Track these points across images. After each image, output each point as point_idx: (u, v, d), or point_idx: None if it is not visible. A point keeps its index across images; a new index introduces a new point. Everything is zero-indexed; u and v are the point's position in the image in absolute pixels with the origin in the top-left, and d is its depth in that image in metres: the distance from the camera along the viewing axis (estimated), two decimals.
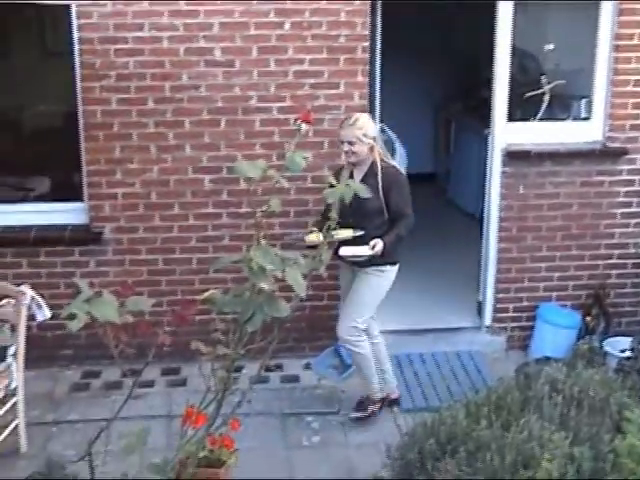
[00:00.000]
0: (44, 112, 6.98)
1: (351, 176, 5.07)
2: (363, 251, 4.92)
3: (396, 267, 5.21)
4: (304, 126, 2.74)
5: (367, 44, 5.71)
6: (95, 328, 2.55)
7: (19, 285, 4.84)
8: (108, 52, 5.54)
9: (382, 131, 6.80)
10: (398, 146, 7.21)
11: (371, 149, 5.05)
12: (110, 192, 5.71)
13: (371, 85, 5.99)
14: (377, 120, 6.48)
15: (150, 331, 2.51)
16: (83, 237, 5.75)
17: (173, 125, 5.64)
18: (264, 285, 2.54)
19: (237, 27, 5.56)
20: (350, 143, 5.02)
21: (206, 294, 2.73)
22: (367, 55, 5.74)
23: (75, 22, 5.52)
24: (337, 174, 5.19)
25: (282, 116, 5.66)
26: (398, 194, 5.04)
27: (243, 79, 5.63)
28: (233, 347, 2.86)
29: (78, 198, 5.87)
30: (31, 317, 4.81)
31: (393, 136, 7.14)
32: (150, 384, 5.53)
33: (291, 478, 4.70)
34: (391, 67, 6.57)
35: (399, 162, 7.24)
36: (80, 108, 5.65)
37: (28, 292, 4.71)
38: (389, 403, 5.42)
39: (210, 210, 5.78)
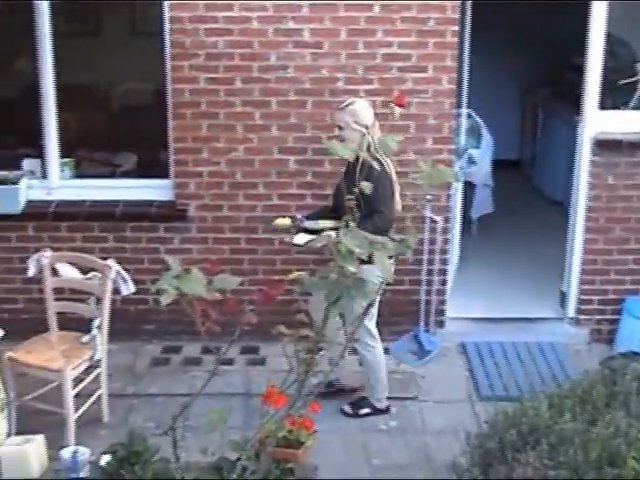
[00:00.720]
0: (132, 90, 7.07)
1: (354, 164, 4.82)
2: (314, 240, 4.78)
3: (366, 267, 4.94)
4: (398, 109, 2.69)
5: (457, 28, 5.61)
6: (178, 304, 2.57)
7: (105, 259, 4.92)
8: (198, 31, 5.57)
9: (469, 116, 6.71)
10: (485, 132, 7.12)
11: (363, 137, 4.68)
12: (196, 170, 5.75)
13: (459, 69, 5.90)
14: (464, 105, 6.41)
15: (237, 309, 2.52)
16: (168, 214, 5.81)
17: (260, 105, 5.65)
18: (351, 268, 2.52)
19: (326, 9, 5.53)
20: (340, 128, 4.89)
21: (293, 275, 2.72)
22: (456, 39, 5.65)
23: (167, 1, 5.56)
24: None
25: (369, 99, 5.62)
26: (375, 186, 4.48)
27: (331, 61, 5.60)
28: (316, 329, 2.85)
29: (164, 175, 5.93)
30: (116, 291, 4.88)
31: (480, 122, 7.05)
32: (229, 362, 5.57)
33: (367, 462, 4.69)
34: (480, 49, 6.47)
35: (485, 148, 7.17)
36: (169, 86, 5.70)
37: (114, 266, 4.77)
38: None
39: (294, 191, 5.78)
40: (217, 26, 5.56)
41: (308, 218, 5.03)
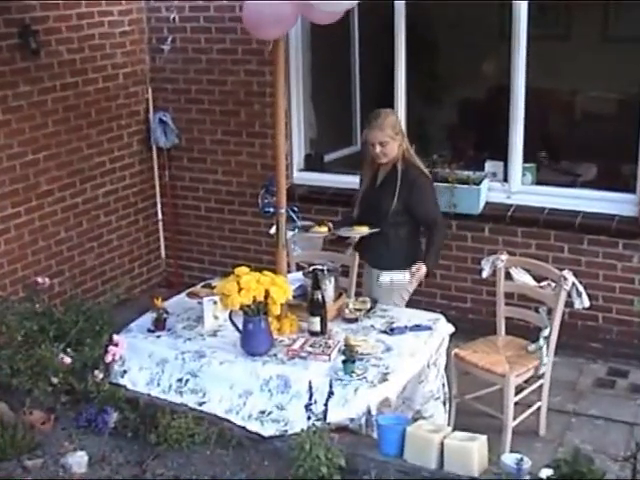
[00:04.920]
0: (597, 98, 6.97)
1: (375, 176, 4.93)
2: (403, 277, 4.75)
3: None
4: None
5: None
6: (630, 326, 2.47)
7: (559, 269, 4.88)
8: None
9: None
10: None
11: (399, 146, 4.80)
12: None
13: None
14: None
15: None
16: (630, 230, 5.62)
17: None
18: None
19: None
20: (382, 144, 4.76)
21: None
22: None
23: None
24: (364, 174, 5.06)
25: None
26: (421, 199, 4.79)
27: None
28: None
29: (628, 189, 5.75)
30: (567, 303, 4.83)
31: None
32: None
33: None
34: None
35: None
36: None
37: (570, 278, 4.72)
38: None
39: None
40: None
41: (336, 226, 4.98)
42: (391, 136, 4.78)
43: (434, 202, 4.93)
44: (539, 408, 4.97)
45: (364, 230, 4.87)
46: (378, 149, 4.80)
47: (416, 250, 4.96)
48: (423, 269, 4.74)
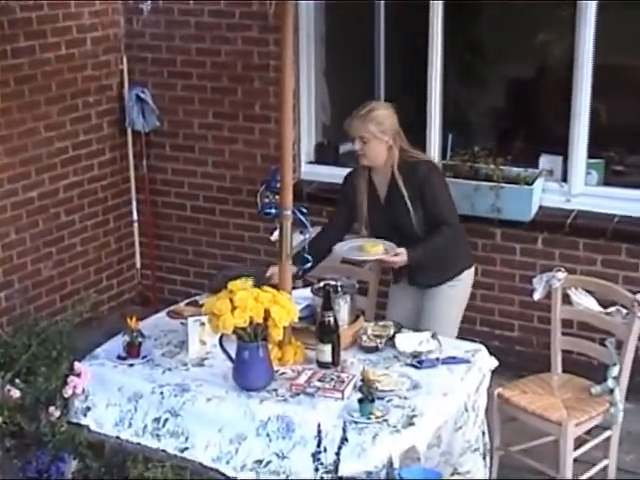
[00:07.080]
0: None
1: (370, 183, 5.04)
2: (375, 255, 4.83)
3: (465, 273, 5.16)
4: None
5: None
6: None
7: (633, 293, 4.85)
8: None
9: None
10: None
11: (389, 149, 4.90)
12: None
13: None
14: None
15: None
16: None
17: None
18: None
19: None
20: (362, 140, 4.89)
21: None
22: None
23: None
24: (351, 180, 5.15)
25: None
26: (432, 193, 4.90)
27: None
28: None
29: None
30: None
31: None
32: None
33: None
34: None
35: None
36: None
37: None
38: None
39: None
40: None
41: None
42: (374, 133, 4.89)
43: (448, 201, 5.01)
44: (606, 467, 4.96)
45: (379, 250, 4.86)
46: (357, 145, 4.95)
47: (461, 247, 5.15)
48: (403, 256, 4.79)
